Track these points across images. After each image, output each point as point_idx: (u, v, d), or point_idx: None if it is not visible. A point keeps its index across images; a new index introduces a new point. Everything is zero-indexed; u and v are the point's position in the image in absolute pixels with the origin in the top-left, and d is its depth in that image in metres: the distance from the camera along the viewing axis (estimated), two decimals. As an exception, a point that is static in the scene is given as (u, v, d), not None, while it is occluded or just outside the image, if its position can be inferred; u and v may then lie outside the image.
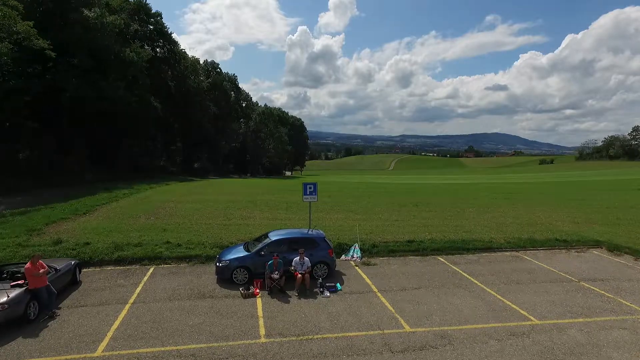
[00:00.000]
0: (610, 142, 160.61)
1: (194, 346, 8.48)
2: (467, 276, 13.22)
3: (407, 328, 9.53)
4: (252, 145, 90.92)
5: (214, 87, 77.03)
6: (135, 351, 8.23)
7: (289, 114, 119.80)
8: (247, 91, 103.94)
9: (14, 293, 9.16)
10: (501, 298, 11.44)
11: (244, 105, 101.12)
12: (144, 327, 9.24)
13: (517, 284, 12.65)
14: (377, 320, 9.88)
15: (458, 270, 13.86)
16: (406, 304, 10.94)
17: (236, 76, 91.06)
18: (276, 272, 11.40)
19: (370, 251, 15.35)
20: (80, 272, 12.23)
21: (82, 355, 8.05)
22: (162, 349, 8.34)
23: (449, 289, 12.11)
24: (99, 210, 21.46)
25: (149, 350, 8.26)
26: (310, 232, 13.63)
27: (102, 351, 8.22)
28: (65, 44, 33.23)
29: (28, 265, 9.58)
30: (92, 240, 14.95)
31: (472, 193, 37.38)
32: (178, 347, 8.41)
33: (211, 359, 8.02)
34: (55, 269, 10.79)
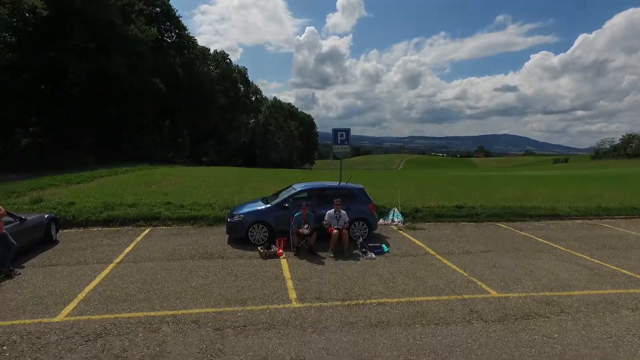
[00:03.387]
0: (628, 140, 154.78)
1: (197, 311, 5.89)
2: (544, 241, 10.43)
3: (494, 293, 6.82)
4: (262, 139, 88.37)
5: (223, 77, 74.72)
6: (112, 316, 5.64)
7: (299, 111, 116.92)
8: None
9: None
10: (602, 263, 8.65)
11: (253, 99, 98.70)
12: (130, 289, 6.67)
13: (612, 249, 9.84)
14: (448, 284, 7.18)
15: (529, 235, 11.08)
16: (479, 267, 8.22)
17: (246, 69, 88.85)
18: (306, 226, 8.72)
19: (413, 216, 12.62)
20: (57, 230, 9.74)
21: (36, 321, 5.49)
22: (152, 313, 5.76)
23: (529, 252, 9.34)
24: (94, 181, 19.03)
25: (133, 315, 5.68)
26: (344, 184, 10.94)
27: (66, 316, 5.66)
28: (64, 17, 31.14)
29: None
30: (78, 201, 12.46)
31: (503, 181, 34.29)
32: (174, 312, 5.82)
33: (222, 327, 5.42)
34: (20, 219, 8.29)
